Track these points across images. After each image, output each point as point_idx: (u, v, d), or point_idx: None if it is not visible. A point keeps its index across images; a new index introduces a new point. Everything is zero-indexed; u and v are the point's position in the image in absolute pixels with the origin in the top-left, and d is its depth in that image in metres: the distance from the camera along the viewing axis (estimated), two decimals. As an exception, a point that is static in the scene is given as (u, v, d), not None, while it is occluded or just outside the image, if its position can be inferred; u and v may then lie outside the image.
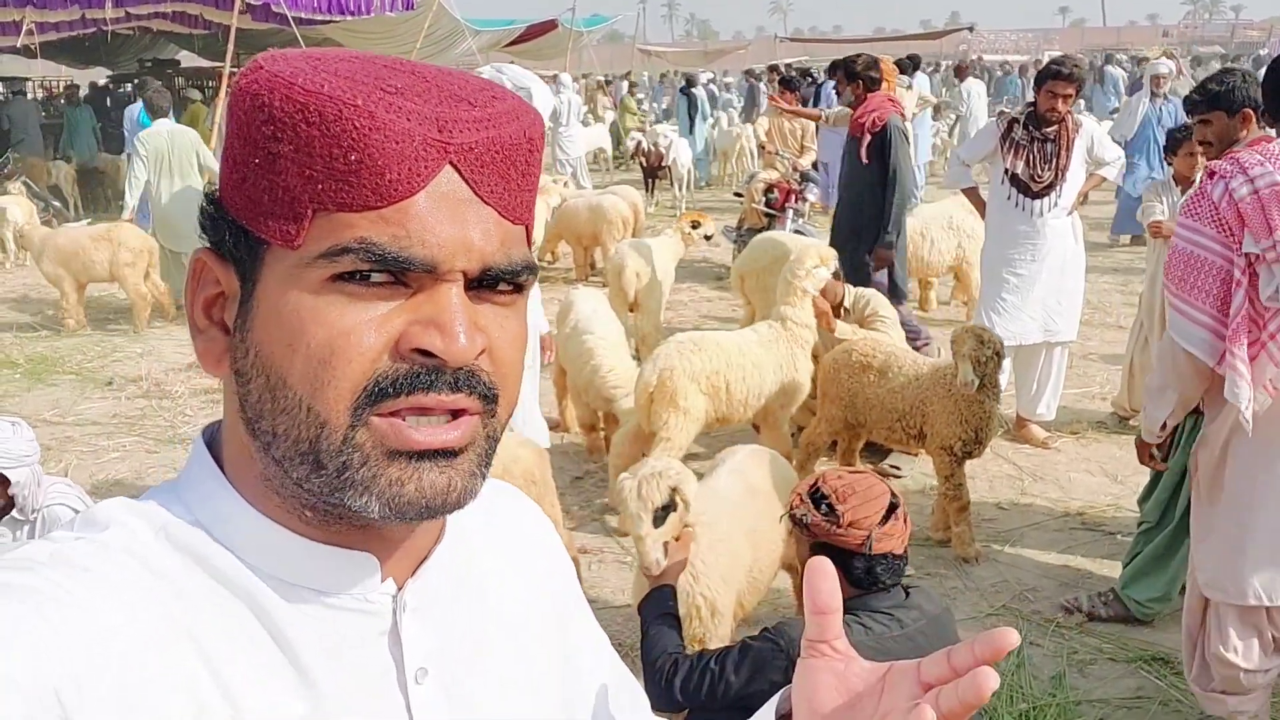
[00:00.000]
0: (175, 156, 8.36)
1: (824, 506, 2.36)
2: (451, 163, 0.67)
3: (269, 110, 0.66)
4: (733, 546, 3.01)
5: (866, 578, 2.32)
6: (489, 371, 0.70)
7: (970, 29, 30.82)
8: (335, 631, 0.73)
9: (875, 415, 4.70)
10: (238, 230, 0.70)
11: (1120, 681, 3.56)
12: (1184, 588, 3.76)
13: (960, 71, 18.04)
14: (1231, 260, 2.65)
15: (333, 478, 0.68)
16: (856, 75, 6.33)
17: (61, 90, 21.60)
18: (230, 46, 11.75)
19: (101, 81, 22.11)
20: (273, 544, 0.72)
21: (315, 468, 0.68)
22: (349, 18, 15.08)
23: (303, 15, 14.03)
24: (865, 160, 6.11)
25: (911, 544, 4.52)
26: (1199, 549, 3.01)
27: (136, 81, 21.84)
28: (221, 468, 0.75)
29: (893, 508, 2.36)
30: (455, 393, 0.68)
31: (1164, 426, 3.03)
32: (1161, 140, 9.14)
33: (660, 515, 2.65)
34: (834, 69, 13.27)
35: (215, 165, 8.66)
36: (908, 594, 2.38)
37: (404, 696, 0.75)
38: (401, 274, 0.67)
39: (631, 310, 6.91)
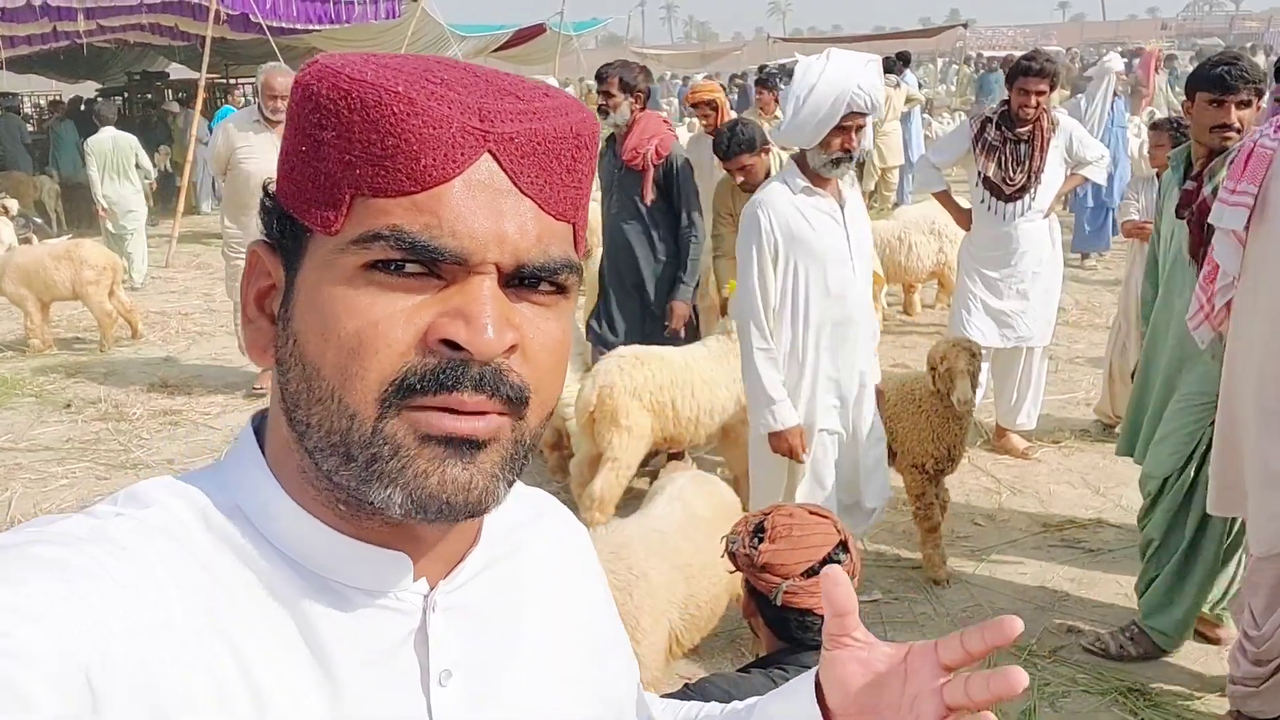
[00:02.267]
0: (116, 158, 10.15)
1: (756, 539, 2.14)
2: (491, 151, 0.67)
3: (316, 99, 0.68)
4: (654, 584, 2.80)
5: (780, 627, 2.10)
6: (520, 372, 0.69)
7: (965, 25, 30.63)
8: (363, 628, 0.72)
9: (843, 431, 4.51)
10: (285, 219, 0.71)
11: (1094, 716, 3.36)
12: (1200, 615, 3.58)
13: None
14: None
15: (361, 469, 0.67)
16: (631, 87, 5.04)
17: (46, 105, 21.51)
18: (206, 57, 11.61)
19: (89, 96, 21.99)
20: (308, 536, 0.72)
21: (345, 460, 0.68)
22: (330, 26, 14.94)
23: (283, 25, 13.88)
24: (648, 199, 5.01)
25: (880, 565, 4.40)
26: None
27: (125, 97, 21.79)
28: (264, 457, 0.75)
29: (828, 563, 2.13)
30: (479, 393, 0.66)
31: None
32: (1125, 141, 8.94)
33: None
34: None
35: (150, 166, 10.79)
36: None
37: (426, 698, 0.74)
38: (434, 265, 0.67)
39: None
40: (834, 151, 3.36)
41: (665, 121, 5.21)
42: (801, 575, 2.07)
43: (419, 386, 0.66)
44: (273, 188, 0.74)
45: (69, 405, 6.88)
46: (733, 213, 4.96)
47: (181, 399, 6.96)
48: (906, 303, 8.45)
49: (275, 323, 0.73)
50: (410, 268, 0.66)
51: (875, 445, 3.77)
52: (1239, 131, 3.34)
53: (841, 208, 3.50)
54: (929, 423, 4.21)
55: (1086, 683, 3.52)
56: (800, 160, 3.47)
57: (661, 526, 3.02)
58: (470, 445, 0.67)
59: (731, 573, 2.21)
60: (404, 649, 0.74)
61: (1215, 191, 3.20)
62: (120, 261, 8.35)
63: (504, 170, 0.68)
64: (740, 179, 4.91)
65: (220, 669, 0.66)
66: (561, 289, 0.72)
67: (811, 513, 2.19)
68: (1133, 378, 3.96)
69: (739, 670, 2.13)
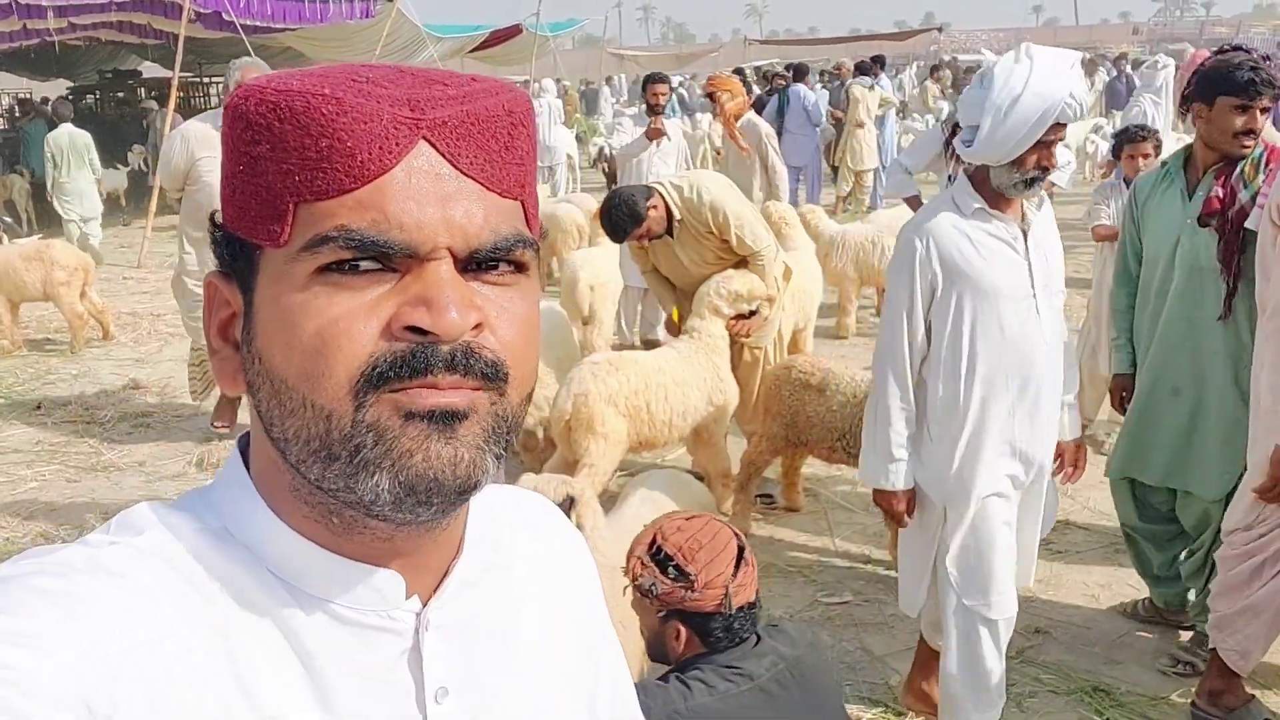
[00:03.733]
0: (73, 153, 11.18)
1: (671, 569, 2.12)
2: (426, 138, 0.67)
3: (247, 118, 0.68)
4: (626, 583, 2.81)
5: (726, 636, 2.10)
6: (492, 349, 0.69)
7: (940, 29, 30.82)
8: (357, 647, 0.73)
9: (816, 434, 4.55)
10: (234, 243, 0.71)
11: (1060, 716, 3.40)
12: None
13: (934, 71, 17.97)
14: None
15: (346, 464, 0.67)
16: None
17: (16, 104, 21.25)
18: (179, 55, 11.52)
19: (60, 94, 21.76)
20: (301, 557, 0.72)
21: (328, 462, 0.67)
22: (305, 26, 14.87)
23: (257, 23, 13.81)
24: None
25: (851, 567, 4.44)
26: None
27: (98, 95, 21.57)
28: (252, 479, 0.75)
29: (741, 551, 2.14)
30: (452, 373, 0.66)
31: None
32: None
33: None
34: (799, 73, 13.24)
35: (99, 166, 11.64)
36: (759, 640, 2.14)
37: (423, 716, 0.75)
38: (386, 259, 0.67)
39: (585, 324, 6.73)
40: (1029, 170, 2.76)
41: None
42: (733, 575, 2.09)
43: (391, 373, 0.66)
44: (219, 218, 0.74)
45: (39, 407, 6.81)
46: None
47: (153, 401, 6.91)
48: (879, 306, 8.50)
49: (239, 349, 0.73)
50: (364, 265, 0.67)
51: (1035, 526, 3.15)
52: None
53: (1024, 233, 2.87)
54: (900, 426, 4.24)
55: (1053, 683, 3.56)
56: (977, 176, 2.86)
57: (634, 527, 3.03)
58: (450, 417, 0.67)
59: (659, 613, 2.17)
60: (399, 668, 0.75)
61: (1254, 198, 3.20)
62: (90, 262, 8.27)
63: (442, 155, 0.68)
64: (646, 241, 4.71)
65: (222, 689, 0.66)
66: (519, 266, 0.72)
67: (683, 518, 2.24)
68: (1123, 402, 3.79)
69: (659, 678, 2.12)
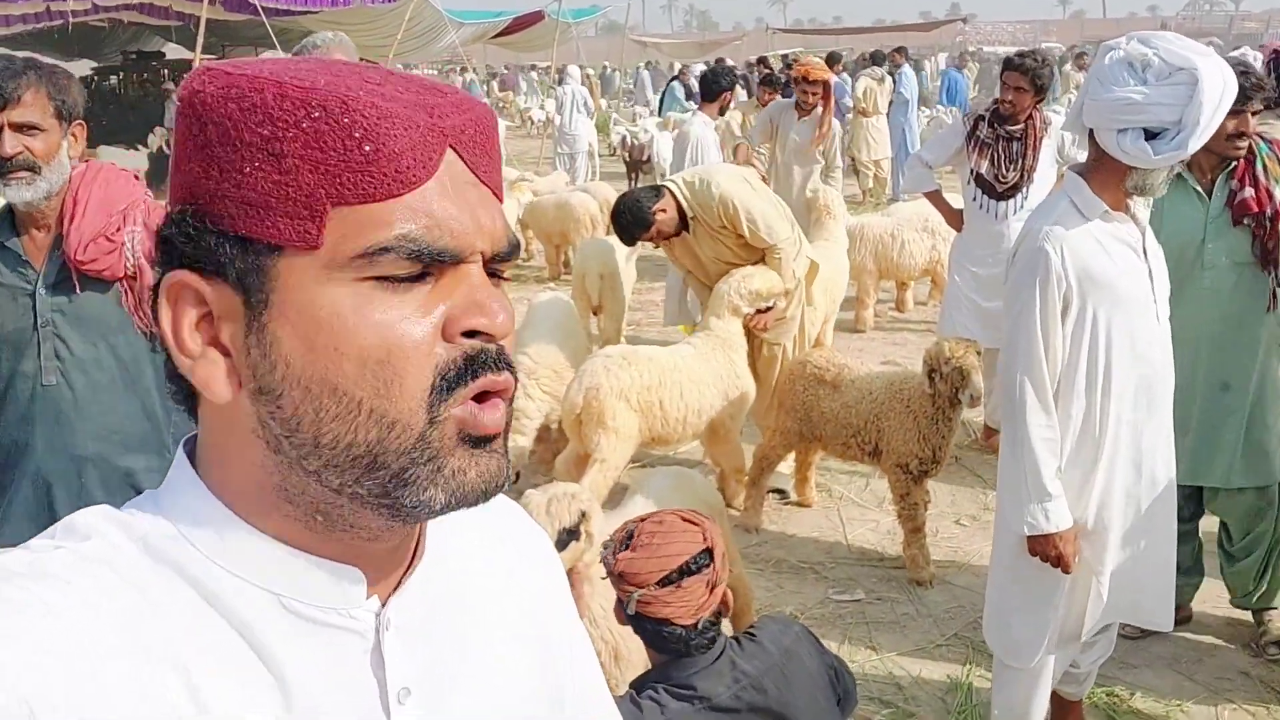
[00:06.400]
0: None
1: (622, 548, 2.08)
2: (452, 146, 0.69)
3: (264, 110, 0.66)
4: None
5: (649, 638, 2.04)
6: (508, 347, 0.72)
7: (965, 20, 30.59)
8: (319, 648, 0.72)
9: (830, 430, 4.51)
10: (233, 241, 0.68)
11: (1072, 719, 3.35)
12: None
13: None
14: None
15: (392, 475, 0.67)
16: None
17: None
18: (200, 38, 11.54)
19: (83, 74, 21.88)
20: (258, 555, 0.71)
21: (368, 470, 0.67)
22: (327, 9, 14.87)
23: (279, 6, 13.82)
24: None
25: (863, 565, 4.40)
26: None
27: (121, 76, 21.69)
28: (205, 481, 0.73)
29: (686, 572, 2.00)
30: (501, 370, 0.70)
31: None
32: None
33: (564, 539, 2.47)
34: (830, 61, 13.13)
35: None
36: (720, 656, 2.02)
37: (386, 717, 0.74)
38: (438, 266, 0.68)
39: (595, 313, 6.70)
40: (1180, 164, 2.62)
41: None
42: (656, 584, 1.99)
43: (458, 380, 0.68)
44: (186, 211, 0.70)
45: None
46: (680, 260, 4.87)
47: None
48: (899, 300, 8.44)
49: (228, 353, 0.70)
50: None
51: (1164, 547, 2.87)
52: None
53: (1143, 235, 2.69)
54: (916, 423, 4.20)
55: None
56: (1098, 178, 2.62)
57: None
58: (494, 437, 0.71)
59: (604, 578, 2.14)
60: (360, 668, 0.74)
61: None
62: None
63: (465, 163, 0.70)
64: (662, 241, 4.68)
65: (168, 695, 0.65)
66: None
67: (685, 519, 2.11)
68: None
69: (631, 683, 2.08)
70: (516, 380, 0.73)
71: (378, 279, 0.67)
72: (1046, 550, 2.67)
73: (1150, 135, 2.48)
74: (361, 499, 0.69)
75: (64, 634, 0.62)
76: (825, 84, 6.78)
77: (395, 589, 0.77)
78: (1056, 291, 2.58)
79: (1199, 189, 3.48)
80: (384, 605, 0.76)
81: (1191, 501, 3.64)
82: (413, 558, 0.80)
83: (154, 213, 2.56)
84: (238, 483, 0.72)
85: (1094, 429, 2.67)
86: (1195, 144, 2.49)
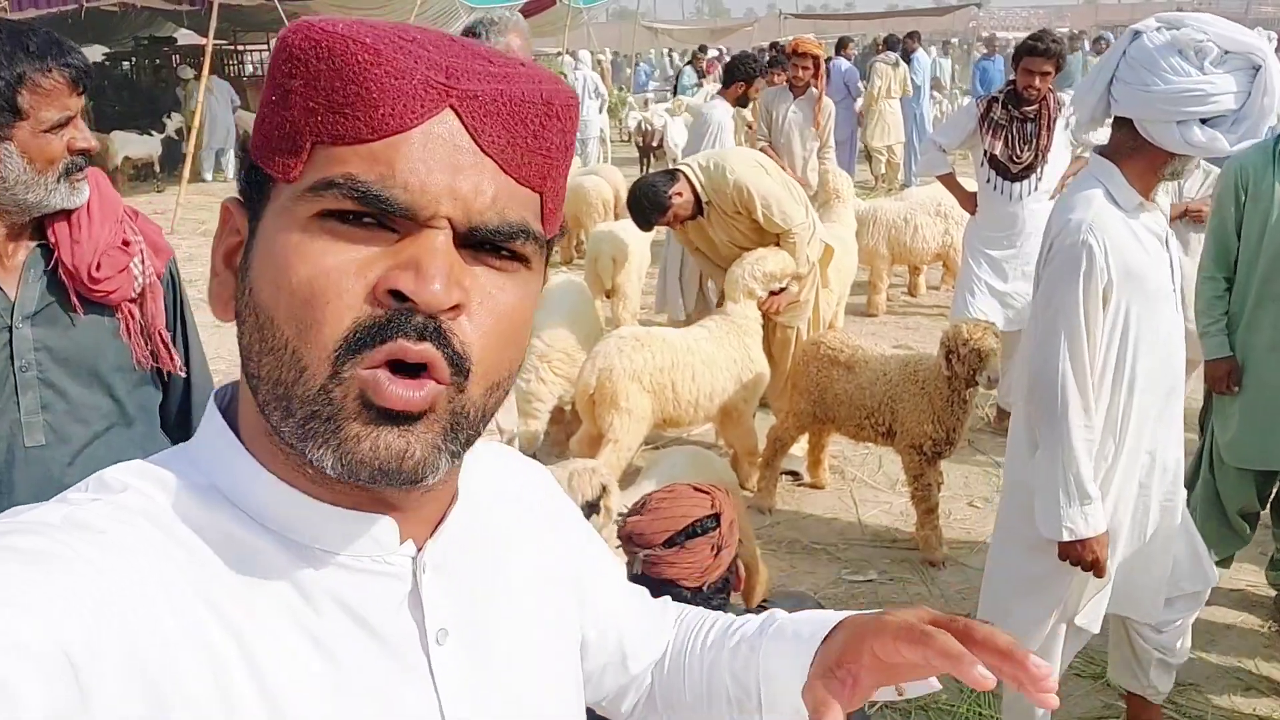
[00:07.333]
0: None
1: (634, 514, 2.14)
2: (453, 107, 0.67)
3: (290, 50, 0.68)
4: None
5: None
6: (463, 339, 0.67)
7: (979, 5, 30.36)
8: (356, 595, 0.72)
9: (844, 411, 4.51)
10: (252, 170, 0.71)
11: (1087, 699, 3.37)
12: None
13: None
14: None
15: (299, 425, 0.66)
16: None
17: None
18: (212, 22, 11.54)
19: (95, 60, 21.90)
20: (287, 506, 0.71)
21: (285, 414, 0.67)
22: (339, -7, 14.85)
23: (291, -10, 13.79)
24: None
25: (876, 546, 4.41)
26: None
27: (133, 62, 21.70)
28: (237, 430, 0.74)
29: (691, 534, 2.05)
30: (422, 341, 0.65)
31: None
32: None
33: (585, 513, 2.51)
34: (839, 45, 13.07)
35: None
36: None
37: (426, 658, 0.75)
38: (385, 216, 0.66)
39: (609, 297, 6.71)
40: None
41: None
42: (662, 545, 2.04)
43: (368, 341, 0.65)
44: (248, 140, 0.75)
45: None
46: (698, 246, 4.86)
47: (184, 366, 6.96)
48: (911, 284, 8.43)
49: (238, 276, 0.73)
50: (366, 219, 0.67)
51: (1165, 538, 2.76)
52: None
53: (1166, 222, 2.64)
54: (931, 405, 4.20)
55: (1079, 666, 3.51)
56: (1132, 165, 2.52)
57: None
58: (407, 416, 0.66)
59: (617, 548, 2.17)
60: (399, 611, 0.75)
61: None
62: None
63: (465, 127, 0.68)
64: (678, 225, 4.66)
65: (213, 643, 0.66)
66: (521, 258, 0.71)
67: (696, 488, 2.15)
68: (1229, 385, 3.58)
69: None
70: (463, 365, 0.68)
71: (328, 219, 0.66)
72: (1082, 555, 2.56)
73: (1201, 123, 2.38)
74: (291, 446, 0.68)
75: (102, 583, 0.63)
76: (815, 59, 6.76)
77: (433, 532, 0.78)
78: (1099, 286, 2.48)
79: None
80: (420, 549, 0.76)
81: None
82: (451, 501, 0.81)
83: (139, 219, 2.06)
84: (253, 429, 0.73)
85: (1115, 423, 2.60)
86: (1264, 128, 2.39)
